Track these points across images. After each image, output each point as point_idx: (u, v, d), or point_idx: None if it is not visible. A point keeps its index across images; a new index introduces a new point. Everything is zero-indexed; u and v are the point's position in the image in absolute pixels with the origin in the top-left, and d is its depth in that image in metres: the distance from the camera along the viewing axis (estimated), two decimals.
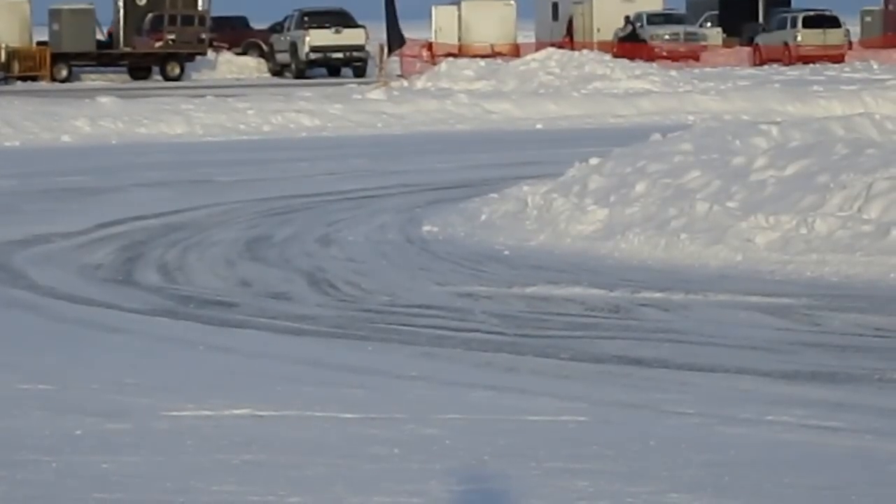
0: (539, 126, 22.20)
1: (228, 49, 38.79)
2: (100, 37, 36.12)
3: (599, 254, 9.11)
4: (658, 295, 7.69)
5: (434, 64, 31.62)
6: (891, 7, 40.93)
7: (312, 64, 36.91)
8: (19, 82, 34.12)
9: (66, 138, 20.07)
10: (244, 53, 39.17)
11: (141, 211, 12.09)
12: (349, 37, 36.74)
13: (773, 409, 5.22)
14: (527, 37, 41.13)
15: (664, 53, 37.39)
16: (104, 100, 22.42)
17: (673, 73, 28.98)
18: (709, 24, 41.57)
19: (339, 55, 36.81)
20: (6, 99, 23.84)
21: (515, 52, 37.36)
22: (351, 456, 4.71)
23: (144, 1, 36.43)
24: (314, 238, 10.41)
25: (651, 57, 35.72)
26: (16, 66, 34.86)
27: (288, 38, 37.65)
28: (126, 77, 36.13)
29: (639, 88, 26.20)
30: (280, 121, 21.87)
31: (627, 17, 38.96)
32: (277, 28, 39.15)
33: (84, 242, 10.37)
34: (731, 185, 9.47)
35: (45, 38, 35.97)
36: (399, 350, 6.52)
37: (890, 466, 4.57)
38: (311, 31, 36.91)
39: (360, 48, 36.59)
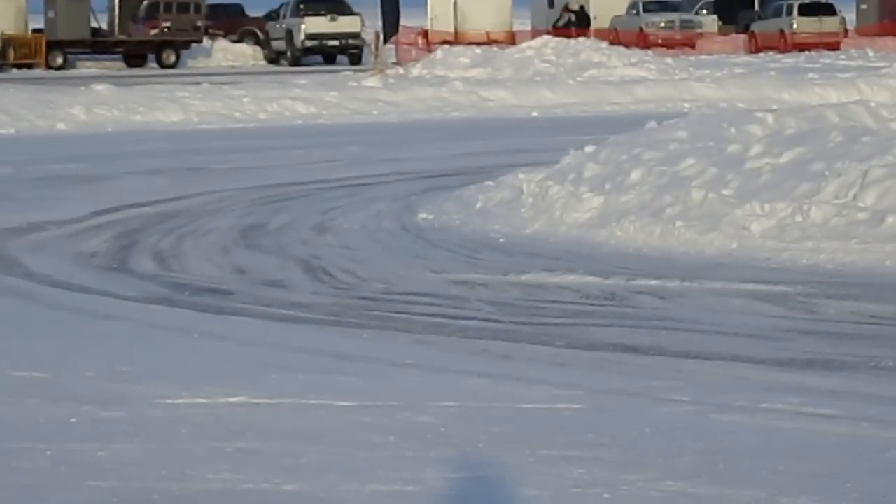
0: (535, 114, 22.18)
1: (224, 37, 38.77)
2: (94, 24, 36.11)
3: (595, 241, 9.10)
4: (653, 282, 7.69)
5: (430, 51, 31.59)
6: None
7: (308, 51, 36.91)
8: (15, 70, 34.11)
9: (61, 126, 20.03)
10: (240, 41, 39.15)
11: (136, 198, 12.07)
12: (345, 24, 36.73)
13: (768, 397, 5.22)
14: (522, 24, 41.10)
15: (660, 41, 37.43)
16: (100, 87, 22.38)
17: (669, 60, 28.98)
18: (704, 12, 41.60)
19: (335, 43, 36.81)
20: (1, 87, 23.78)
21: (511, 39, 37.38)
22: (346, 444, 4.71)
23: None
24: (309, 226, 10.39)
25: (647, 45, 35.77)
26: (11, 54, 34.87)
27: (284, 25, 37.63)
28: (121, 65, 36.11)
29: (634, 76, 26.20)
30: (276, 108, 21.85)
31: (566, 6, 39.16)
32: (273, 15, 39.13)
33: (79, 230, 10.36)
34: (726, 173, 9.47)
35: (41, 25, 35.92)
36: (394, 338, 6.52)
37: (885, 454, 4.57)
38: (307, 19, 36.89)
39: (356, 36, 36.59)
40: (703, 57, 33.64)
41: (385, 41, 29.30)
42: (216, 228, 10.34)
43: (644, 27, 38.46)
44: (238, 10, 40.68)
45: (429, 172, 13.71)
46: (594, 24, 39.36)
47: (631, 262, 8.37)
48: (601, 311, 7.09)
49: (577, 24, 38.78)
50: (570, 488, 4.23)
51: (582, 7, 40.11)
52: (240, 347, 6.39)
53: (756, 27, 38.78)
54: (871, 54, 33.91)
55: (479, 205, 10.61)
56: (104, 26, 36.72)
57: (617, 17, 39.63)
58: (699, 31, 39.25)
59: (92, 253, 9.27)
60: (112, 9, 36.79)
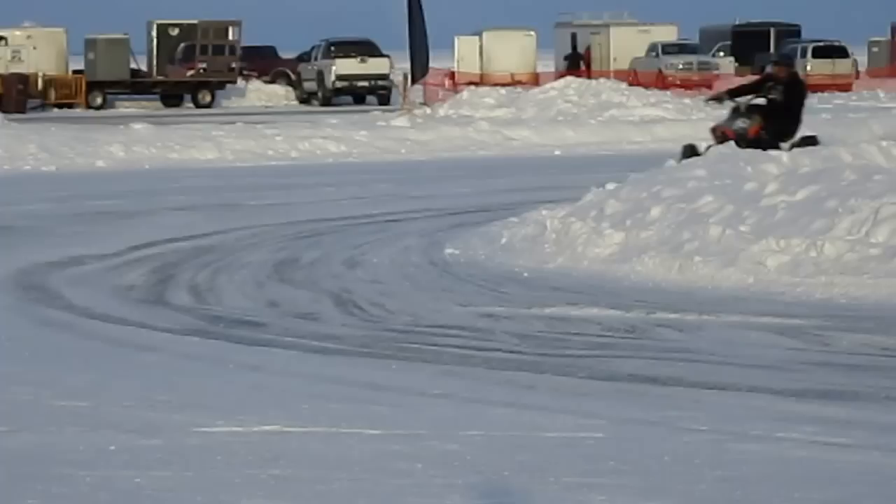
0: (557, 152, 22.35)
1: (258, 77, 39.23)
2: (133, 66, 36.67)
3: (616, 276, 9.24)
4: (672, 316, 7.83)
5: (456, 92, 31.88)
6: None
7: (339, 92, 37.29)
8: (56, 109, 34.55)
9: (100, 163, 20.29)
10: (273, 82, 39.58)
11: (172, 234, 12.20)
12: (374, 66, 37.12)
13: (783, 426, 5.35)
14: (546, 66, 41.46)
15: (678, 82, 37.70)
16: (138, 126, 22.72)
17: (687, 100, 29.08)
18: (721, 54, 41.86)
19: (365, 83, 37.18)
20: (43, 125, 24.09)
21: (535, 80, 37.71)
22: (375, 471, 4.83)
23: (177, 31, 36.96)
24: (340, 260, 10.54)
25: (665, 85, 36.09)
26: (53, 94, 35.45)
27: (315, 67, 38.05)
28: (159, 104, 36.53)
29: (654, 116, 26.37)
30: (307, 147, 22.11)
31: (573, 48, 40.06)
32: (305, 57, 39.56)
33: (117, 264, 10.51)
34: (743, 210, 9.60)
35: (81, 66, 36.48)
36: (422, 369, 6.67)
37: None
38: (338, 61, 37.32)
39: (385, 77, 36.96)
40: None
41: (413, 82, 29.59)
42: (250, 263, 10.49)
43: (663, 69, 38.76)
44: (271, 52, 41.14)
45: (455, 209, 13.83)
46: (614, 66, 39.78)
47: (651, 296, 8.50)
48: (622, 343, 7.23)
49: (570, 65, 39.30)
50: None
51: (575, 48, 40.53)
52: (273, 378, 6.55)
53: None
54: (881, 95, 34.02)
55: (503, 240, 10.76)
56: (143, 67, 37.31)
57: (636, 58, 39.93)
58: (716, 72, 39.47)
59: (130, 286, 9.44)
60: (150, 51, 37.36)
